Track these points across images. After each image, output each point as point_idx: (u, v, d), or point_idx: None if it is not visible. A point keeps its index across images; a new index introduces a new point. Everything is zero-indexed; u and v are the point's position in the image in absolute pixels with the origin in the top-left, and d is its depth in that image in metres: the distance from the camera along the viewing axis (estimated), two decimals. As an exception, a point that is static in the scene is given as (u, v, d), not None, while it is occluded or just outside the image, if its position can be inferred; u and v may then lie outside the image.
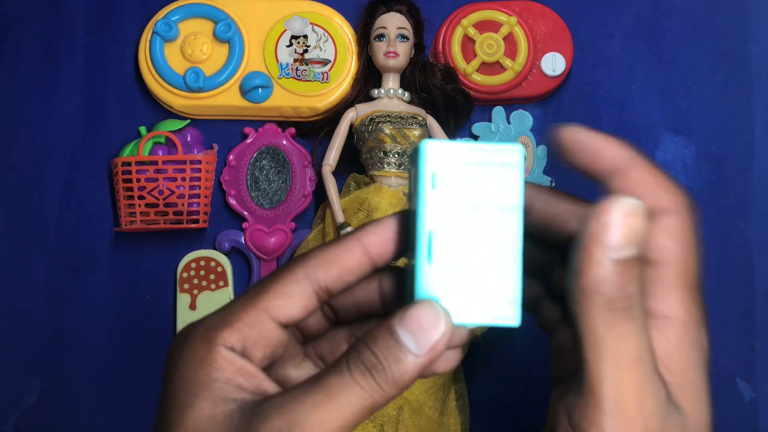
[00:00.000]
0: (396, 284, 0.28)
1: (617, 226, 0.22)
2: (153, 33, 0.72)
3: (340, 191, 0.70)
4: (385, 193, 0.66)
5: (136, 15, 0.76)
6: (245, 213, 0.73)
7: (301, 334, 0.29)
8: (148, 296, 0.73)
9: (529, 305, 0.29)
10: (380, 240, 0.26)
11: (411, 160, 0.26)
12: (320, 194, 0.72)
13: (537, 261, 0.28)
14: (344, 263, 0.26)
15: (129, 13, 0.76)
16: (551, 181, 0.71)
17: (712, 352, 0.25)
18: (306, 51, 0.72)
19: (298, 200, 0.72)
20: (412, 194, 0.27)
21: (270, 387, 0.25)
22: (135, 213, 0.70)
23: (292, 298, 0.25)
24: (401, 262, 0.27)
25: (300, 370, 0.28)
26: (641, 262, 0.23)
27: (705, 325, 0.25)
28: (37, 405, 0.72)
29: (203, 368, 0.24)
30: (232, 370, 0.24)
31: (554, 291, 0.29)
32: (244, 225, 0.72)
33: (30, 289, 0.73)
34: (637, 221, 0.22)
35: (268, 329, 0.25)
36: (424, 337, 0.23)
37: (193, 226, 0.71)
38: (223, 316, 0.25)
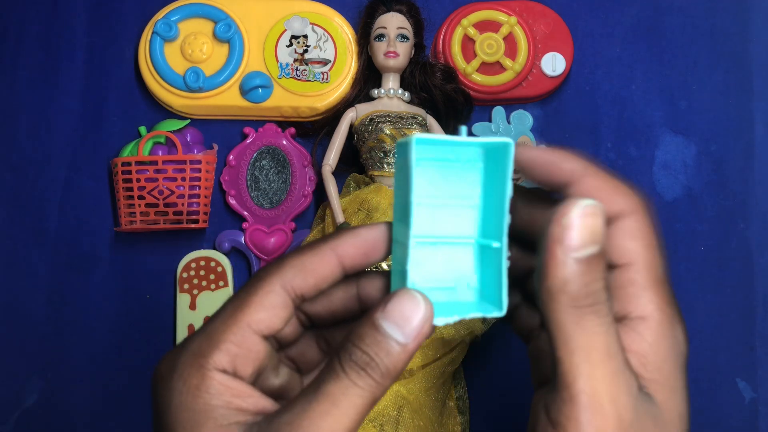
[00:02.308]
0: (382, 287, 0.28)
1: (576, 227, 0.22)
2: (153, 33, 0.72)
3: (340, 191, 0.70)
4: (385, 193, 0.66)
5: (136, 15, 0.76)
6: (245, 213, 0.73)
7: (276, 342, 0.29)
8: (148, 296, 0.73)
9: (507, 313, 0.30)
10: (354, 250, 0.27)
11: (397, 152, 0.27)
12: (320, 194, 0.72)
13: (516, 267, 0.29)
14: (319, 272, 0.26)
15: (129, 13, 0.76)
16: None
17: (688, 345, 0.26)
18: (306, 51, 0.72)
19: (298, 200, 0.72)
20: (395, 187, 0.28)
21: (267, 404, 0.25)
22: (135, 213, 0.70)
23: (273, 309, 0.26)
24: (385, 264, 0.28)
25: (279, 377, 0.29)
26: (606, 263, 0.23)
27: (679, 320, 0.26)
28: (37, 405, 0.72)
29: (200, 396, 0.24)
30: (229, 393, 0.24)
31: (531, 297, 0.29)
32: (244, 225, 0.72)
33: (30, 289, 0.73)
34: (595, 220, 0.23)
35: (254, 344, 0.25)
36: (408, 326, 0.24)
37: (193, 226, 0.71)
38: (208, 338, 0.25)
